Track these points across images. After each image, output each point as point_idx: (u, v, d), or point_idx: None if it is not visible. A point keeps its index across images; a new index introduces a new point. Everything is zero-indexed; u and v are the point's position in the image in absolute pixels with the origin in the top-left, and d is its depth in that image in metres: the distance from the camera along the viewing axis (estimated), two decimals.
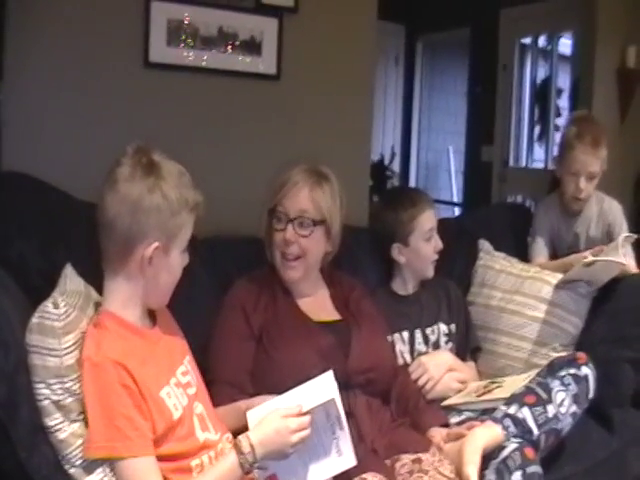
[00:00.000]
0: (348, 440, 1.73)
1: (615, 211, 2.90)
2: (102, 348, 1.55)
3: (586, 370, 2.19)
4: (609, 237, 2.84)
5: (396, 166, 7.08)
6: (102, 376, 1.52)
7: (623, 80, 4.61)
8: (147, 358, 1.62)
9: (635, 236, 2.68)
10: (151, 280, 1.65)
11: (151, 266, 1.63)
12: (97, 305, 1.71)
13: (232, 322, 2.11)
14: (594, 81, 4.55)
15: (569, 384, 2.14)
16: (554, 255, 2.95)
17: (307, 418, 1.64)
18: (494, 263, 2.82)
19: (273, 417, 1.64)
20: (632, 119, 4.68)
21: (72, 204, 2.12)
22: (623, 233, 2.70)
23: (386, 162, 6.79)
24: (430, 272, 2.59)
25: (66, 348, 1.56)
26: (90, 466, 1.53)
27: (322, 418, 1.71)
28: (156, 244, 1.61)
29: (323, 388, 1.74)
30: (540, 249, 2.94)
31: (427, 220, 2.52)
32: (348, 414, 1.89)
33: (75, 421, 1.56)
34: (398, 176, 6.98)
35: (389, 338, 2.42)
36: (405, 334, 2.49)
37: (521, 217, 3.14)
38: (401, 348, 2.47)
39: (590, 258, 2.56)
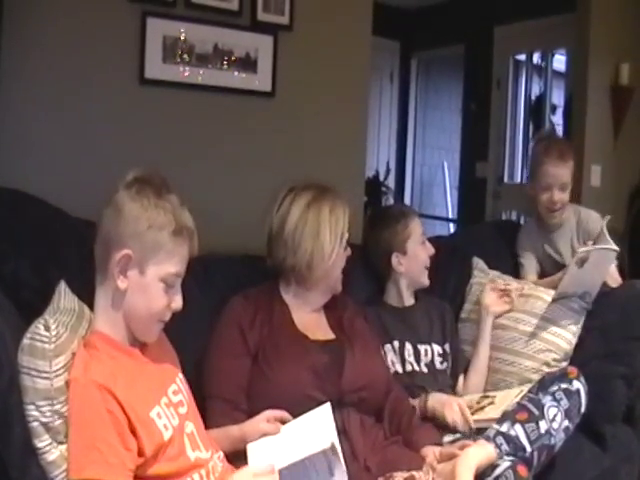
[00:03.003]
0: (340, 458, 1.73)
1: (594, 219, 2.94)
2: (90, 370, 1.54)
3: (577, 384, 2.19)
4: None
5: (391, 182, 7.09)
6: (87, 399, 1.51)
7: (616, 97, 4.65)
8: (136, 379, 1.61)
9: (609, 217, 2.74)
10: (128, 301, 1.63)
11: (126, 279, 1.61)
12: (90, 323, 1.71)
13: (228, 339, 2.11)
14: (588, 98, 4.58)
15: (561, 399, 2.14)
16: (543, 274, 2.98)
17: (276, 478, 1.62)
18: (488, 281, 2.83)
19: (245, 476, 1.63)
20: (625, 135, 4.72)
21: (66, 221, 2.11)
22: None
23: (381, 178, 6.80)
24: (426, 280, 2.67)
25: (56, 370, 1.55)
26: None
27: (319, 455, 1.70)
28: (128, 251, 1.59)
29: (322, 423, 1.74)
30: (529, 269, 2.98)
31: (418, 226, 2.65)
32: (341, 432, 1.90)
33: (62, 443, 1.55)
34: (393, 192, 6.99)
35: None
36: (396, 343, 2.52)
37: (515, 234, 3.14)
38: (392, 358, 2.49)
39: (583, 248, 2.59)
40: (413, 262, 2.62)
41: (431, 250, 2.66)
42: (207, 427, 1.85)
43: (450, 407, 2.32)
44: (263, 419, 1.87)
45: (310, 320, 2.25)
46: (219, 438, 1.87)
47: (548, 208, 2.92)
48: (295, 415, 1.85)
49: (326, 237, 2.18)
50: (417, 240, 2.63)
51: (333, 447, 1.69)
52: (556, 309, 2.66)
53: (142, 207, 1.60)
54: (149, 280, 1.63)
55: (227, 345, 2.10)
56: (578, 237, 2.93)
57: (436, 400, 2.36)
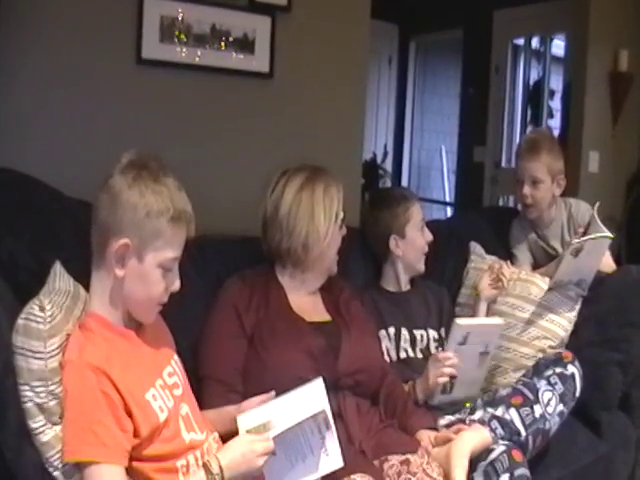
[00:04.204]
0: (335, 440, 1.73)
1: (584, 211, 2.94)
2: (85, 352, 1.54)
3: (572, 368, 2.20)
4: None
5: (389, 166, 7.08)
6: (82, 381, 1.50)
7: (615, 83, 4.64)
8: (131, 361, 1.60)
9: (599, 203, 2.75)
10: (127, 287, 1.62)
11: (124, 268, 1.60)
12: (85, 304, 1.70)
13: (224, 320, 2.11)
14: (586, 84, 4.57)
15: (555, 383, 2.16)
16: (537, 266, 2.98)
17: (271, 443, 1.62)
18: (485, 265, 2.82)
19: (241, 441, 1.64)
20: (624, 122, 4.71)
21: (63, 201, 2.10)
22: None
23: (379, 161, 6.79)
24: (422, 266, 2.67)
25: (51, 351, 1.55)
26: (73, 470, 1.52)
27: (309, 420, 1.71)
28: (126, 240, 1.58)
29: (313, 395, 1.74)
30: (523, 260, 2.99)
31: (418, 211, 2.65)
32: (337, 416, 1.91)
33: (57, 424, 1.55)
34: (390, 176, 6.98)
35: None
36: (391, 330, 2.51)
37: (512, 220, 3.14)
38: (387, 345, 2.49)
39: (577, 240, 2.59)
40: (411, 247, 2.62)
41: (429, 237, 2.66)
42: (202, 408, 1.85)
43: (430, 379, 2.29)
44: (258, 401, 1.87)
45: (306, 302, 2.25)
46: (214, 419, 1.87)
47: (521, 203, 2.96)
48: None
49: (320, 217, 2.18)
50: (416, 225, 2.62)
51: (324, 412, 1.69)
52: (552, 296, 2.66)
53: (139, 194, 1.58)
54: (147, 267, 1.62)
55: (223, 327, 2.10)
56: (569, 232, 2.93)
57: (422, 385, 2.34)
